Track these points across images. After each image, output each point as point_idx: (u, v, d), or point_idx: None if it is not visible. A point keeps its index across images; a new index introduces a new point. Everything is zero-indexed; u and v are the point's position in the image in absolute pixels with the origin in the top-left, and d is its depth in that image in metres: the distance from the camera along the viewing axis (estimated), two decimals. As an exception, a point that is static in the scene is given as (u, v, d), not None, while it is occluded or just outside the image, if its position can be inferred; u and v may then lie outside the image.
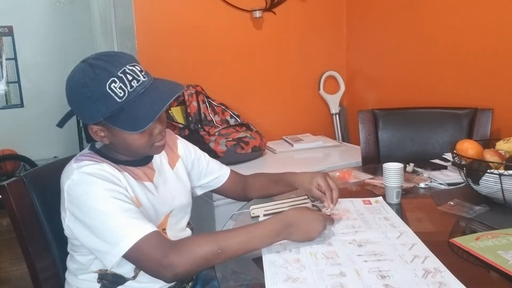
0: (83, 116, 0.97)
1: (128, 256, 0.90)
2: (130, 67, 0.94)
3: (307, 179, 1.19)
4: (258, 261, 0.95)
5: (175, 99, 2.17)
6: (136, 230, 0.90)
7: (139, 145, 0.99)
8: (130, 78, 0.92)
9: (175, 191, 1.13)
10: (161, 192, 1.09)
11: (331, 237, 1.03)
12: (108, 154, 1.03)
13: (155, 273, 0.91)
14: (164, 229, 1.09)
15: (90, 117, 0.95)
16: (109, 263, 0.91)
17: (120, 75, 0.92)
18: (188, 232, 1.18)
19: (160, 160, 1.13)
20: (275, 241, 0.97)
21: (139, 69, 0.96)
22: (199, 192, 1.29)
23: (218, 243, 0.91)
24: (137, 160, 1.06)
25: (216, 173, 1.28)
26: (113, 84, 0.91)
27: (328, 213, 1.11)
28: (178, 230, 1.13)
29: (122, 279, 1.02)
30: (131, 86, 0.92)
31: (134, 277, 1.02)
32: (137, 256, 0.90)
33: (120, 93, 0.91)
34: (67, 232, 1.01)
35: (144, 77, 0.95)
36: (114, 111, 0.92)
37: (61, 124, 1.04)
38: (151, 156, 1.10)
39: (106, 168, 0.97)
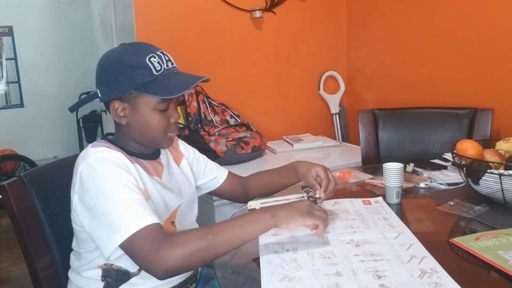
0: (113, 88, 1.00)
1: (124, 246, 0.89)
2: (166, 53, 1.03)
3: (307, 166, 1.22)
4: (258, 261, 0.94)
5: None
6: (138, 219, 0.89)
7: (157, 127, 1.02)
8: (166, 58, 1.02)
9: (182, 186, 1.15)
10: (170, 186, 1.10)
11: (329, 237, 1.03)
12: (121, 144, 1.05)
13: (146, 269, 0.89)
14: (172, 222, 1.09)
15: (120, 88, 0.99)
16: (108, 251, 0.90)
17: (159, 53, 1.01)
18: (196, 226, 1.19)
19: (166, 157, 1.16)
20: (263, 219, 0.93)
21: (171, 58, 1.04)
22: (197, 194, 1.29)
23: (208, 229, 0.91)
24: (147, 154, 1.09)
25: (214, 174, 1.29)
26: (152, 58, 0.99)
27: (317, 196, 1.14)
28: (187, 224, 1.14)
29: (127, 276, 1.01)
30: (167, 65, 1.01)
31: (139, 271, 1.01)
32: (131, 249, 0.89)
33: (158, 67, 0.99)
34: (73, 221, 1.01)
35: (175, 64, 1.04)
36: (148, 82, 0.98)
37: (72, 108, 1.12)
38: (158, 151, 1.13)
39: (121, 157, 0.99)
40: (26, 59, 4.40)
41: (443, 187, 1.41)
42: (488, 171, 1.16)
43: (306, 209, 0.96)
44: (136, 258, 0.90)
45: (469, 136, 1.80)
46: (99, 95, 1.03)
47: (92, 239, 0.97)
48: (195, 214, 1.20)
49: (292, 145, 2.37)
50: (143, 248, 0.88)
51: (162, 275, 0.88)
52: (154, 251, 0.87)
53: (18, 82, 4.42)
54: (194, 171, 1.25)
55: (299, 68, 2.63)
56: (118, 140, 1.07)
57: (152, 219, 0.91)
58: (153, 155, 1.11)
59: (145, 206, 0.93)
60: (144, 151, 1.08)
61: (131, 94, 0.99)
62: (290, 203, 1.00)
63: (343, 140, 2.68)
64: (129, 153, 1.04)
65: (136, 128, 1.03)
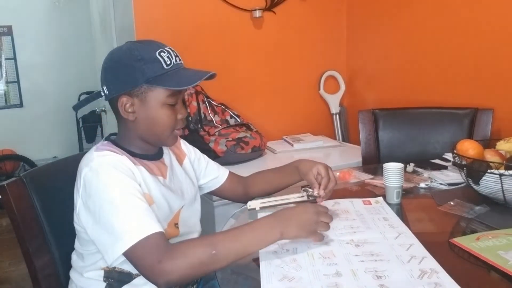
0: (122, 82, 0.99)
1: (127, 254, 0.89)
2: (173, 49, 1.04)
3: (309, 164, 1.23)
4: (258, 261, 0.94)
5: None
6: (141, 228, 0.89)
7: (166, 122, 1.02)
8: (175, 54, 1.03)
9: (184, 187, 1.15)
10: (173, 187, 1.10)
11: (329, 237, 1.03)
12: (125, 146, 1.04)
13: (148, 278, 0.89)
14: (176, 224, 1.08)
15: (131, 82, 0.98)
16: (110, 258, 0.90)
17: (168, 49, 1.02)
18: (199, 229, 1.18)
19: (169, 156, 1.16)
20: (270, 235, 0.93)
21: (179, 54, 1.06)
22: (198, 193, 1.29)
23: (212, 241, 0.90)
24: (151, 155, 1.08)
25: (215, 174, 1.29)
26: (162, 53, 1.00)
27: (316, 194, 1.15)
28: (189, 226, 1.13)
29: (129, 277, 1.01)
30: (176, 61, 1.02)
31: None
32: (133, 257, 0.89)
33: (168, 61, 1.00)
34: (76, 222, 1.01)
35: (182, 61, 1.06)
36: (159, 76, 0.98)
37: (76, 107, 1.13)
38: (161, 152, 1.13)
39: (125, 162, 0.98)
40: (26, 59, 4.40)
41: (443, 187, 1.41)
42: (489, 171, 1.16)
43: (313, 227, 0.96)
44: (138, 267, 0.90)
45: (470, 136, 1.79)
46: (105, 92, 1.02)
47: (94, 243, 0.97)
48: (198, 215, 1.19)
49: (292, 145, 2.36)
50: (146, 257, 0.88)
51: (163, 286, 0.88)
52: (156, 261, 0.87)
53: (18, 82, 4.42)
54: (196, 170, 1.25)
55: (299, 68, 2.63)
56: (122, 140, 1.06)
57: (155, 228, 0.90)
58: (157, 156, 1.11)
59: (149, 214, 0.92)
60: (148, 151, 1.08)
61: (141, 88, 0.99)
62: (299, 213, 0.97)
63: (343, 140, 2.68)
64: (133, 154, 1.03)
65: (143, 124, 1.02)
